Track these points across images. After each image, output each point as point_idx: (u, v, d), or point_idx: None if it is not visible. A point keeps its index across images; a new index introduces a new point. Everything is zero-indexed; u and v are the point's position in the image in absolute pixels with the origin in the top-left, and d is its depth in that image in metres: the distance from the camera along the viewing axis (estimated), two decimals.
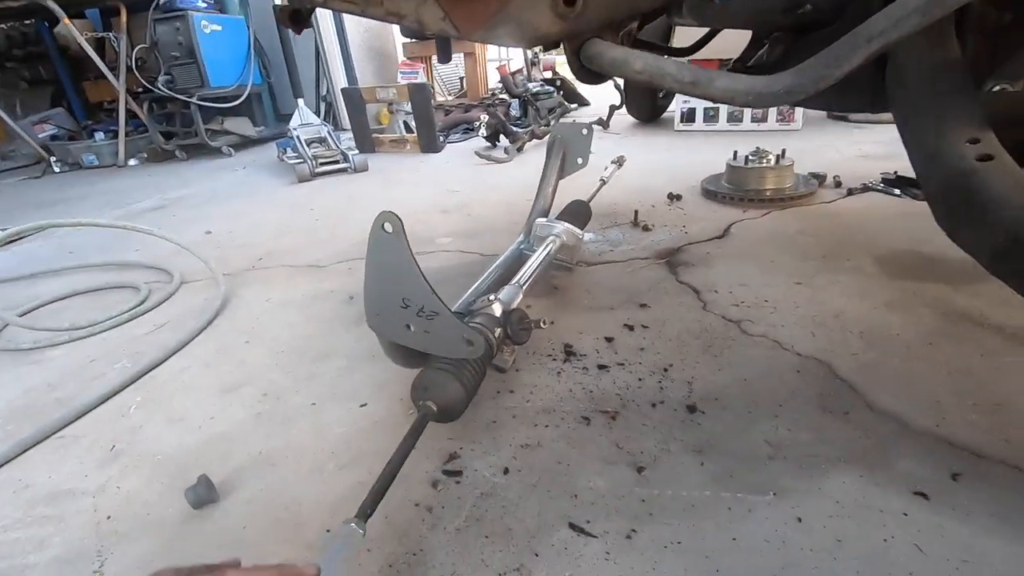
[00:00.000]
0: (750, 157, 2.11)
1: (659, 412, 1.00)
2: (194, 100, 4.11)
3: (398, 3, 0.66)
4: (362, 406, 1.10)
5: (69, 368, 1.34)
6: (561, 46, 0.79)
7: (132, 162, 4.38)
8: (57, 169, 4.39)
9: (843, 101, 1.28)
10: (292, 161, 3.37)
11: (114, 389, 1.21)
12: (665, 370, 1.12)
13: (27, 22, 4.82)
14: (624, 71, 0.70)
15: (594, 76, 0.79)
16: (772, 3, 0.90)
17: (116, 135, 4.36)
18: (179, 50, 4.03)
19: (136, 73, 4.12)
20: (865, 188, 2.10)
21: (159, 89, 4.07)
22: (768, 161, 2.08)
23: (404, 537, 0.79)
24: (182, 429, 1.08)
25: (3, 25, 4.71)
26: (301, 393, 1.16)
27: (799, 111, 3.35)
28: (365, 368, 1.22)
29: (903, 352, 1.11)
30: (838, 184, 2.17)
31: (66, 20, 3.80)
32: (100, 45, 4.32)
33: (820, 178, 2.20)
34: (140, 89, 4.21)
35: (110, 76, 4.13)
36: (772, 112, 3.41)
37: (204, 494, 0.88)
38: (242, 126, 4.59)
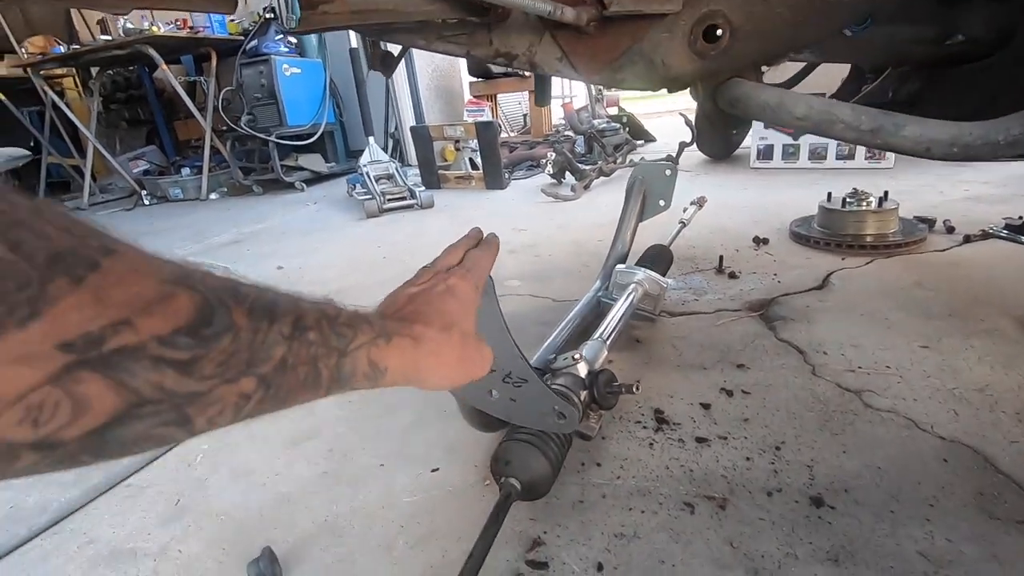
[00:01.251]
0: (847, 199, 1.94)
1: (777, 503, 0.85)
2: (272, 138, 4.31)
3: (510, 42, 0.60)
4: (433, 471, 1.01)
5: None
6: (690, 88, 0.69)
7: (213, 196, 4.62)
8: (147, 202, 4.69)
9: None
10: (361, 197, 3.43)
11: None
12: (777, 448, 0.97)
13: (130, 68, 5.25)
14: (779, 117, 0.60)
15: (725, 120, 0.69)
16: (920, 33, 0.77)
17: (200, 170, 4.61)
18: (261, 91, 4.25)
19: (221, 113, 4.37)
20: (985, 235, 1.87)
21: (241, 128, 4.29)
22: (869, 204, 1.90)
23: None
24: (247, 485, 1.02)
25: (110, 71, 5.14)
26: (368, 451, 1.08)
27: None
28: (435, 425, 1.14)
29: None
30: (950, 230, 1.95)
31: (164, 66, 4.09)
32: (191, 88, 4.63)
33: (928, 223, 1.99)
34: (224, 128, 4.46)
35: (198, 116, 4.40)
36: (860, 149, 3.19)
37: (267, 570, 0.80)
38: (315, 162, 4.77)
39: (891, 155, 3.12)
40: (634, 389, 1.00)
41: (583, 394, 0.98)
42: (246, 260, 2.58)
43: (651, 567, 0.77)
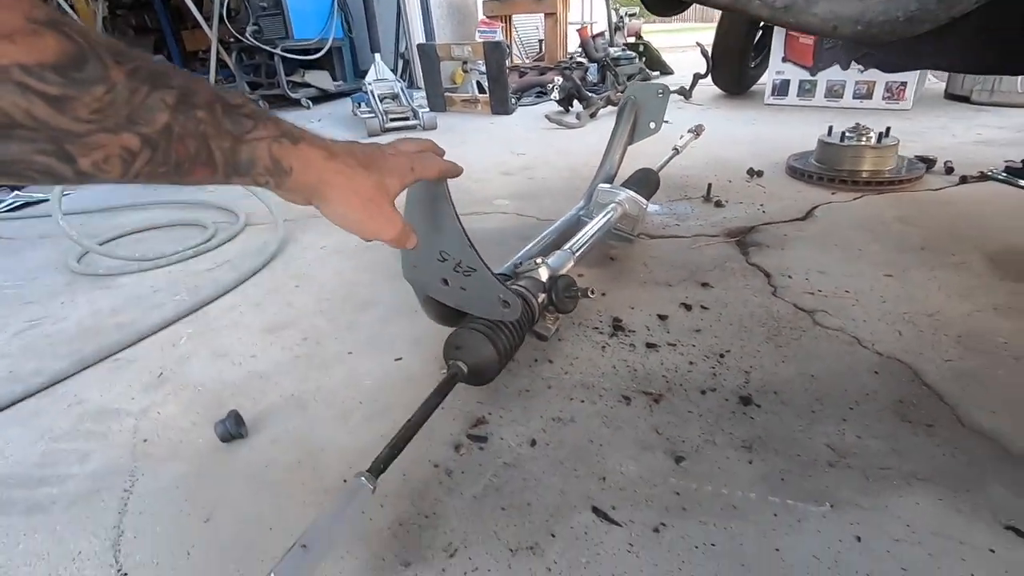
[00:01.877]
0: (847, 133, 1.89)
1: (708, 400, 0.91)
2: (278, 51, 4.21)
3: None
4: (396, 360, 1.08)
5: (134, 295, 1.41)
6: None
7: None
8: None
9: (968, 55, 1.07)
10: (364, 116, 3.39)
11: (168, 320, 1.26)
12: (721, 356, 1.02)
13: None
14: None
15: (665, 4, 0.68)
16: None
17: None
18: (267, 0, 4.12)
19: (227, 24, 4.26)
20: (984, 176, 1.84)
21: (247, 39, 4.19)
22: (868, 139, 1.86)
23: (418, 498, 0.76)
24: (224, 364, 1.10)
25: None
26: (340, 340, 1.15)
27: (911, 88, 2.98)
28: (404, 322, 1.20)
29: (1010, 364, 0.95)
30: (950, 170, 1.91)
31: None
32: None
33: (928, 163, 1.95)
34: (231, 39, 4.36)
35: (204, 25, 4.29)
36: (879, 88, 3.06)
37: (232, 429, 0.88)
38: (321, 79, 4.67)
39: (909, 96, 3.00)
40: (590, 294, 1.05)
41: (542, 296, 1.02)
42: None
43: (581, 445, 0.84)
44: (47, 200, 2.25)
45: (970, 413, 0.85)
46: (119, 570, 0.69)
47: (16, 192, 2.38)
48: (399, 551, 0.69)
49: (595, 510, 0.73)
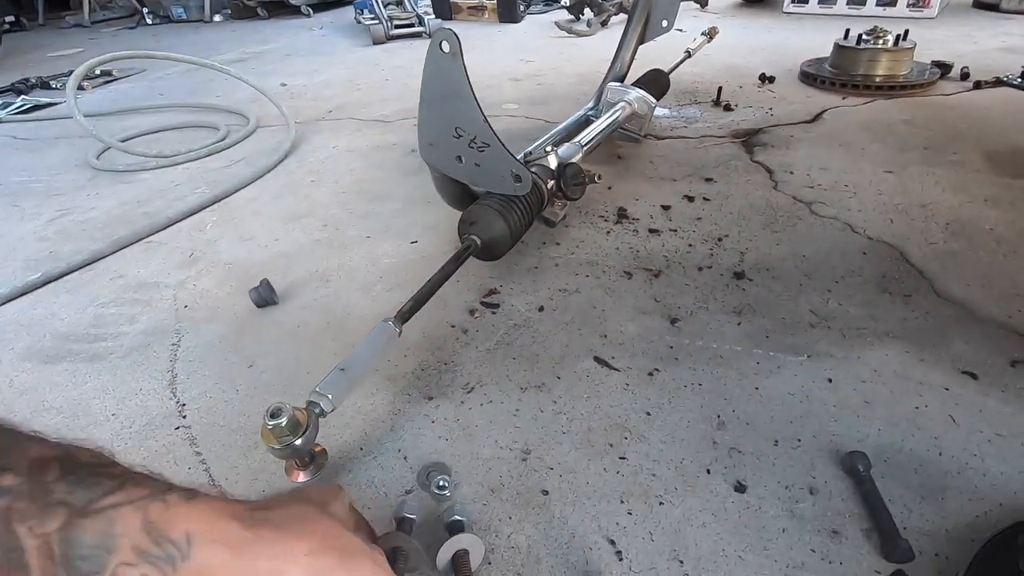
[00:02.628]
0: (864, 36, 1.85)
1: (704, 275, 0.98)
2: None
3: None
4: (412, 242, 1.14)
5: (156, 189, 1.46)
6: None
7: (217, 17, 4.42)
8: (149, 21, 4.51)
9: None
10: (368, 22, 3.28)
11: (193, 208, 1.32)
12: (719, 239, 1.08)
13: None
14: None
15: None
16: None
17: None
18: None
19: None
20: (998, 82, 1.82)
21: None
22: (885, 42, 1.82)
23: (438, 350, 0.85)
24: (251, 246, 1.17)
25: None
26: (357, 227, 1.21)
27: None
28: (419, 211, 1.25)
29: (991, 247, 1.01)
30: (965, 76, 1.89)
31: None
32: None
33: (944, 68, 1.92)
34: None
35: None
36: None
37: (266, 295, 0.96)
38: None
39: (935, 4, 2.87)
40: (596, 179, 1.09)
41: (551, 183, 1.07)
42: (250, 77, 2.57)
43: (584, 310, 0.91)
44: (56, 103, 2.26)
45: (946, 286, 0.91)
46: (177, 401, 0.79)
47: (23, 96, 2.38)
48: (423, 388, 0.78)
49: (596, 359, 0.81)
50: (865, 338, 0.82)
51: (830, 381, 0.75)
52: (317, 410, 0.62)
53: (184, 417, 0.76)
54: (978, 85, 1.81)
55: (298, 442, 0.58)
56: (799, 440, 0.67)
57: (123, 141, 1.80)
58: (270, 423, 0.57)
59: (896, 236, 1.05)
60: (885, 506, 0.57)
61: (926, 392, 0.72)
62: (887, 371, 0.76)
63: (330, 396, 0.63)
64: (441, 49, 0.83)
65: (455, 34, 0.81)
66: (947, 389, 0.72)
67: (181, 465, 0.69)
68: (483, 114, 0.84)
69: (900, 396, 0.72)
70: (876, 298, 0.90)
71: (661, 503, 0.61)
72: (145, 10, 4.55)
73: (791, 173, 1.32)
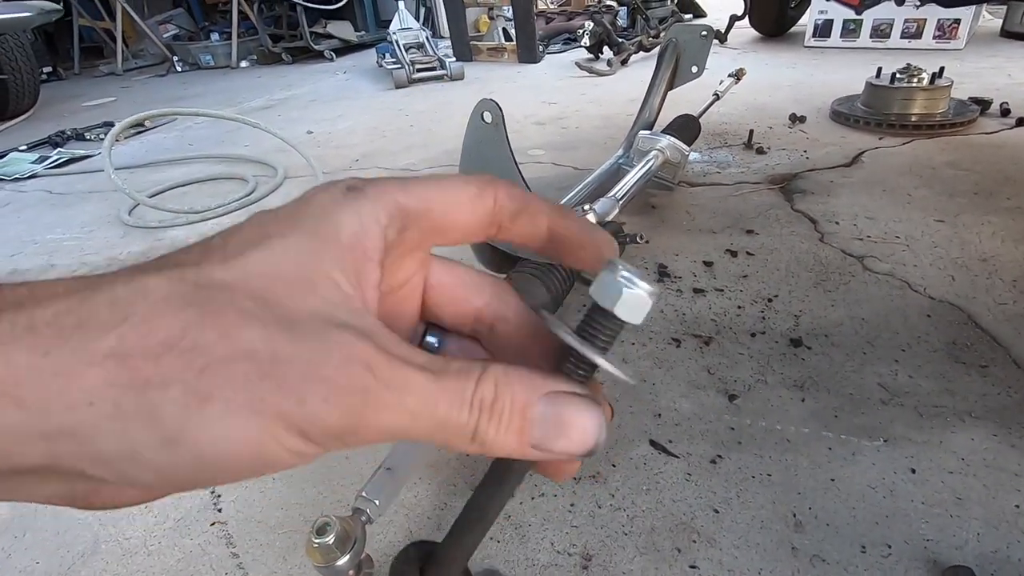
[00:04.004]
0: (898, 75, 1.82)
1: (758, 343, 0.93)
2: (298, 0, 4.13)
3: None
4: None
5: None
6: None
7: (243, 64, 4.55)
8: (179, 68, 4.65)
9: None
10: (390, 66, 3.34)
11: None
12: (769, 300, 1.03)
13: None
14: None
15: None
16: None
17: (229, 36, 4.51)
18: None
19: None
20: None
21: None
22: (920, 80, 1.78)
23: None
24: None
25: None
26: None
27: (964, 26, 2.81)
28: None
29: None
30: (1006, 112, 1.83)
31: None
32: None
33: (983, 104, 1.87)
34: None
35: None
36: (929, 27, 2.90)
37: None
38: (344, 30, 4.59)
39: (962, 35, 2.84)
40: (639, 239, 1.06)
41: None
42: (277, 125, 2.61)
43: (635, 385, 0.87)
44: (91, 156, 2.30)
45: None
46: (213, 491, 0.75)
47: (59, 149, 2.43)
48: (468, 478, 0.73)
49: (652, 443, 0.76)
50: (945, 418, 0.76)
51: (913, 472, 0.69)
52: (364, 518, 0.58)
53: (219, 511, 0.72)
54: (1021, 122, 1.75)
55: (346, 559, 0.54)
56: (889, 546, 0.61)
57: (154, 195, 1.82)
58: (316, 541, 0.53)
59: (960, 296, 0.99)
60: None
61: None
62: (976, 460, 0.69)
63: (377, 502, 0.59)
64: (483, 119, 0.81)
65: (497, 105, 0.80)
66: None
67: (218, 570, 0.65)
68: (526, 183, 0.82)
69: (996, 491, 0.65)
70: (949, 369, 0.84)
71: None
72: (175, 58, 4.71)
73: (836, 223, 1.27)
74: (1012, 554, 0.59)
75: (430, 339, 0.24)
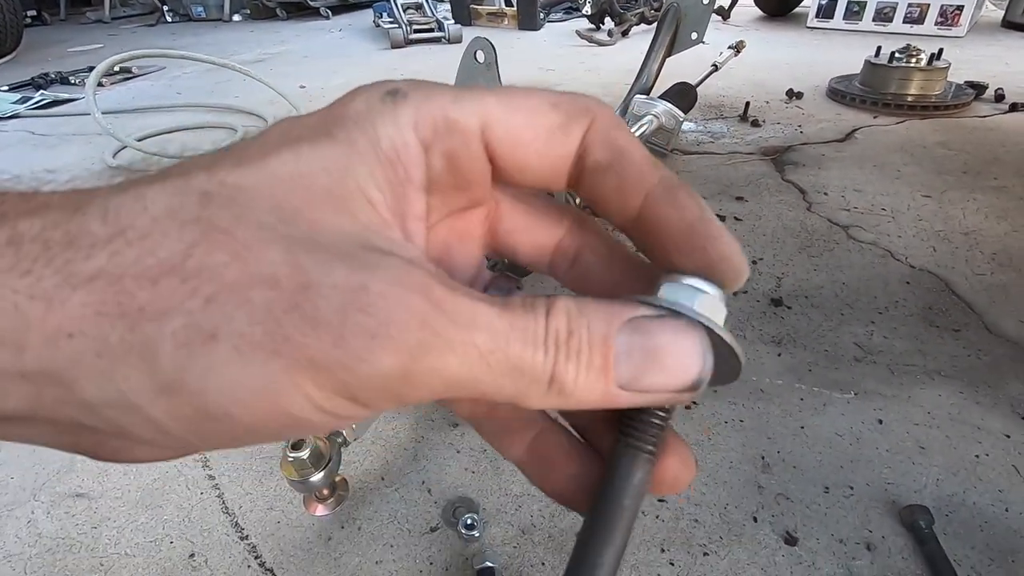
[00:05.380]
0: (897, 54, 1.81)
1: (739, 301, 0.94)
2: None
3: None
4: None
5: None
6: None
7: (236, 17, 4.43)
8: (169, 19, 4.52)
9: None
10: (387, 26, 3.27)
11: None
12: (753, 263, 1.04)
13: None
14: None
15: None
16: None
17: None
18: None
19: None
20: None
21: None
22: (918, 61, 1.78)
23: None
24: None
25: None
26: None
27: (967, 13, 2.80)
28: None
29: None
30: (1000, 98, 1.84)
31: None
32: None
33: (978, 89, 1.87)
34: None
35: None
36: (932, 12, 2.88)
37: None
38: None
39: (964, 23, 2.82)
40: None
41: (577, 200, 1.03)
42: (268, 78, 2.56)
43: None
44: (75, 99, 2.25)
45: (997, 321, 0.87)
46: None
47: (43, 91, 2.37)
48: (447, 414, 0.74)
49: None
50: (915, 376, 0.77)
51: (880, 422, 0.70)
52: (340, 439, 0.59)
53: None
54: (1014, 108, 1.76)
55: (320, 475, 0.55)
56: (851, 488, 0.63)
57: (140, 140, 1.78)
58: (291, 455, 0.54)
59: (940, 265, 1.01)
60: (953, 569, 0.53)
61: (985, 439, 0.68)
62: (941, 413, 0.71)
63: (354, 425, 0.60)
64: (475, 59, 0.80)
65: (491, 44, 0.78)
66: (1008, 436, 0.68)
67: (193, 490, 0.65)
68: None
69: (958, 442, 0.67)
70: (923, 332, 0.85)
71: (705, 553, 0.57)
72: (165, 7, 4.57)
73: (825, 194, 1.27)
74: (968, 498, 0.61)
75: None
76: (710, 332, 0.14)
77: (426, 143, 0.15)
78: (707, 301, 0.15)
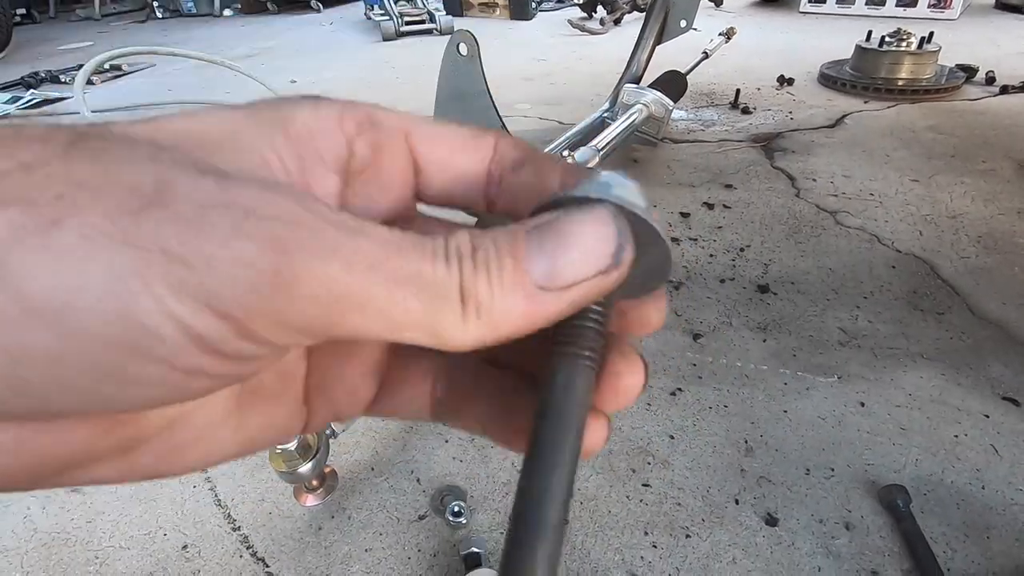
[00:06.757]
0: (887, 38, 1.81)
1: (727, 288, 0.95)
2: None
3: None
4: None
5: None
6: None
7: (227, 12, 4.40)
8: (159, 15, 4.49)
9: None
10: (378, 18, 3.25)
11: None
12: (741, 250, 1.05)
13: None
14: None
15: None
16: None
17: None
18: None
19: None
20: None
21: None
22: (909, 44, 1.78)
23: None
24: None
25: None
26: None
27: None
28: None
29: None
30: (990, 80, 1.83)
31: None
32: None
33: (969, 72, 1.87)
34: None
35: None
36: None
37: None
38: None
39: (956, 5, 2.81)
40: None
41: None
42: (260, 73, 2.55)
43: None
44: (65, 98, 2.24)
45: (980, 304, 0.88)
46: None
47: (33, 90, 2.36)
48: None
49: None
50: (898, 359, 0.78)
51: (863, 405, 0.71)
52: (328, 430, 0.60)
53: None
54: (1004, 90, 1.76)
55: (308, 466, 0.56)
56: (832, 469, 0.64)
57: None
58: (279, 447, 0.55)
59: (926, 249, 1.01)
60: (928, 546, 0.54)
61: (965, 419, 0.69)
62: (923, 396, 0.72)
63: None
64: (458, 51, 0.80)
65: (473, 36, 0.79)
66: (987, 416, 0.69)
67: (186, 484, 0.67)
68: (500, 116, 0.81)
69: (938, 423, 0.68)
70: (907, 316, 0.86)
71: (688, 535, 0.58)
72: (155, 4, 4.53)
73: (814, 180, 1.28)
74: (946, 477, 0.62)
75: None
76: (624, 212, 0.13)
77: (350, 135, 0.15)
78: (621, 188, 0.14)
